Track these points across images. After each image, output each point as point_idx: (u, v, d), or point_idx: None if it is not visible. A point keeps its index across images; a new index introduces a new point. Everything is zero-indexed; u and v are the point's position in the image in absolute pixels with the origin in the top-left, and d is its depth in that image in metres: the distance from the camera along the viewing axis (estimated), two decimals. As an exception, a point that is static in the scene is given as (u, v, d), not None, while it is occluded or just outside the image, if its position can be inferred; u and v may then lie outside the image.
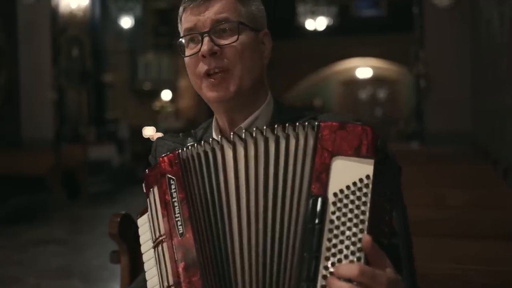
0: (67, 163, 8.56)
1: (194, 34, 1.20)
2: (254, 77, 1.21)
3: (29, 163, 7.94)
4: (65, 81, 9.62)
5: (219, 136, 1.06)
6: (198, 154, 1.06)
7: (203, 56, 1.17)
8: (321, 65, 17.11)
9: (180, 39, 1.23)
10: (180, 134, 1.35)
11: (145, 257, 1.12)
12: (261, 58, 1.24)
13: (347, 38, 15.68)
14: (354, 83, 18.09)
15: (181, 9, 1.24)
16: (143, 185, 1.12)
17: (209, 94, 1.20)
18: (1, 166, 7.81)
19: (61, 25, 9.40)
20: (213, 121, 1.29)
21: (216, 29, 1.18)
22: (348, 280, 0.89)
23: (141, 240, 1.14)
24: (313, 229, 0.94)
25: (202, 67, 1.18)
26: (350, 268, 0.90)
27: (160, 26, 14.49)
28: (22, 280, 4.77)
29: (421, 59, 7.91)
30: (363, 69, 17.80)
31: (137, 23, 13.57)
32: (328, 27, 14.94)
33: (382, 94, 18.10)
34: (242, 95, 1.19)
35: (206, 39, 1.17)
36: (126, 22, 13.33)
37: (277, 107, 1.27)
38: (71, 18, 9.78)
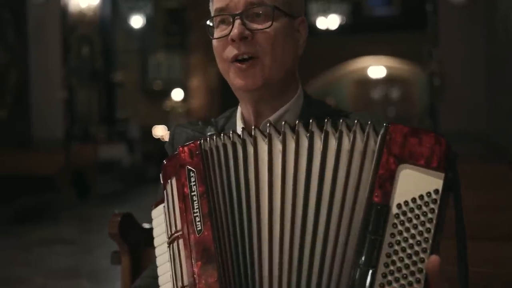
0: (77, 163, 8.57)
1: (225, 16, 1.11)
2: (285, 67, 1.12)
3: (39, 163, 7.94)
4: (75, 81, 9.65)
5: (252, 127, 0.96)
6: (224, 145, 0.97)
7: (233, 40, 1.08)
8: (333, 64, 17.06)
9: (209, 20, 1.15)
10: (200, 122, 1.26)
11: (157, 251, 1.05)
12: (295, 48, 1.15)
13: (359, 36, 15.61)
14: (367, 82, 18.01)
15: None
16: (161, 175, 1.04)
17: (236, 81, 1.11)
18: (11, 166, 7.83)
19: (71, 24, 9.43)
20: (238, 110, 1.21)
21: (249, 12, 1.09)
22: None
23: (155, 233, 1.06)
24: (373, 241, 0.84)
25: (231, 52, 1.10)
26: None
27: (171, 26, 14.50)
28: (30, 280, 4.76)
29: (434, 58, 7.82)
30: (376, 68, 17.71)
31: (147, 23, 13.59)
32: (340, 26, 14.84)
33: (395, 93, 17.99)
34: (271, 86, 1.11)
35: (237, 22, 1.08)
36: (137, 21, 13.35)
37: (307, 100, 1.19)
38: (81, 17, 9.79)
